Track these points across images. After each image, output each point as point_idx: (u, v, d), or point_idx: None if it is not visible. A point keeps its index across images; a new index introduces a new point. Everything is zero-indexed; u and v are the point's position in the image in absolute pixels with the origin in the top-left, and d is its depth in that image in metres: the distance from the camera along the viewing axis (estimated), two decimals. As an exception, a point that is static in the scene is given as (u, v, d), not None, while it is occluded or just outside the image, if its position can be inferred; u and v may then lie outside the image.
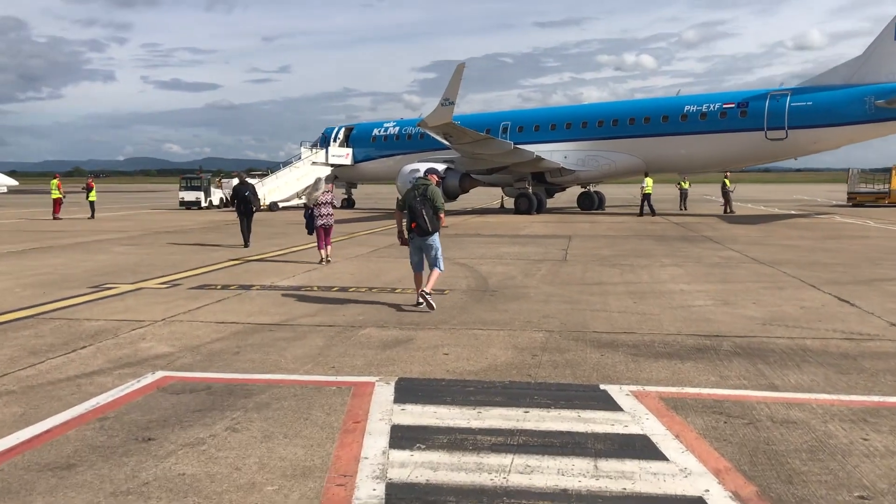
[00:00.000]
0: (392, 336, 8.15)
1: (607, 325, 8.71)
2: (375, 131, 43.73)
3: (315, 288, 11.75)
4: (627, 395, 5.88)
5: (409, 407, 5.57)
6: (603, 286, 11.93)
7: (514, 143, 34.50)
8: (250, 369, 6.76)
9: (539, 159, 34.72)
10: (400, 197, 10.50)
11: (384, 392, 5.96)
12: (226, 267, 14.62)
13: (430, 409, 5.52)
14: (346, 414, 5.43)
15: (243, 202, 18.81)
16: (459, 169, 36.84)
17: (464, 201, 43.19)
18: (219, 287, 11.84)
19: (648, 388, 6.04)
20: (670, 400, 5.74)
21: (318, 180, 15.85)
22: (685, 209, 39.71)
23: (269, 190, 41.57)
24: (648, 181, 34.71)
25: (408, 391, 5.99)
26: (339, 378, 6.42)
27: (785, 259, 15.54)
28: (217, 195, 46.48)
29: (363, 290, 11.58)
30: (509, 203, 44.72)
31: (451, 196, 37.02)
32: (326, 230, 15.13)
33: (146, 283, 12.35)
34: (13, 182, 44.29)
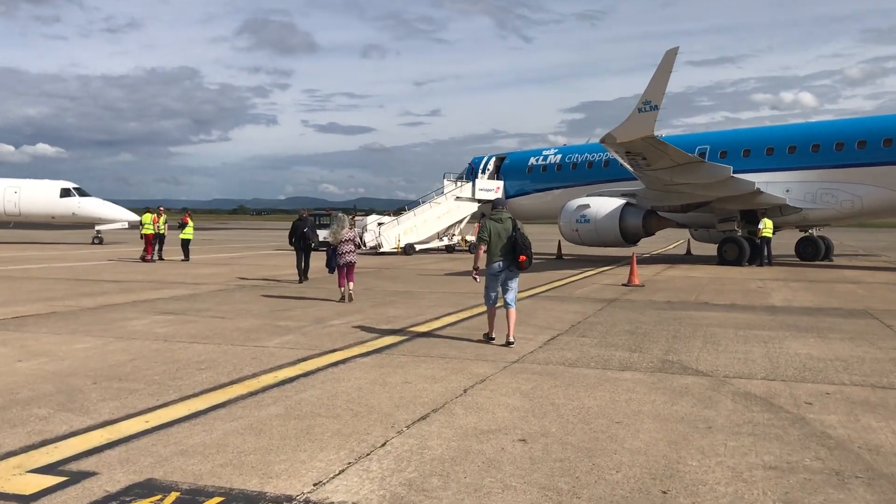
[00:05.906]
0: None
1: None
2: (532, 160, 36.01)
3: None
4: None
5: None
6: None
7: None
8: None
9: (758, 192, 25.69)
10: (486, 230, 9.46)
11: None
12: (270, 384, 7.36)
13: None
14: None
15: (301, 238, 18.70)
16: (643, 205, 28.49)
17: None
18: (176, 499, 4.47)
19: None
20: None
21: (340, 218, 15.33)
22: (949, 261, 29.33)
23: (404, 230, 34.96)
24: (767, 222, 26.37)
25: None
26: None
27: None
28: (348, 235, 40.70)
29: None
30: (696, 247, 35.87)
31: (630, 240, 28.72)
32: (349, 267, 14.72)
33: (27, 467, 5.26)
34: (134, 217, 41.22)
